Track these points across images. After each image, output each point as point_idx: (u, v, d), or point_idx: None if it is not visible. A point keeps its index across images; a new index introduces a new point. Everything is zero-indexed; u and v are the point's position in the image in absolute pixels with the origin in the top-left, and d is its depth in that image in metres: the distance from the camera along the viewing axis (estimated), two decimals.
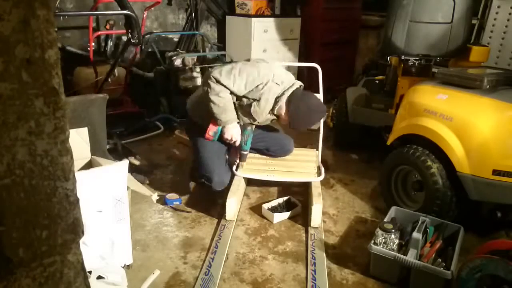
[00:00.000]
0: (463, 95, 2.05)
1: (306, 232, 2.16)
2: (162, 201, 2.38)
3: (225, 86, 2.11)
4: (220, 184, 2.28)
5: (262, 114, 2.27)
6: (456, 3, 2.49)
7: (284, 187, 2.63)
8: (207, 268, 1.81)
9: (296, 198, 2.42)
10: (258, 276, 1.81)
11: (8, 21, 0.56)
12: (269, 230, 2.17)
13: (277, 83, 2.20)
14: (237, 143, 2.33)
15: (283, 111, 2.24)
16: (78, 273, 0.75)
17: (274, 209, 2.31)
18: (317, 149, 2.77)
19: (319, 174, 2.44)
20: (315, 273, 1.80)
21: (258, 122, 2.37)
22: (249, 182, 2.63)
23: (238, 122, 2.30)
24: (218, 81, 2.10)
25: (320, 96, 2.73)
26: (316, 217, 2.17)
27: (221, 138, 2.31)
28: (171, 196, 2.39)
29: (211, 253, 1.92)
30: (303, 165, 2.55)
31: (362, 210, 2.43)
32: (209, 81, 2.11)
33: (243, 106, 2.25)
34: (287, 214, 2.27)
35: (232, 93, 2.16)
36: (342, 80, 4.73)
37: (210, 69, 2.21)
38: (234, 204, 2.20)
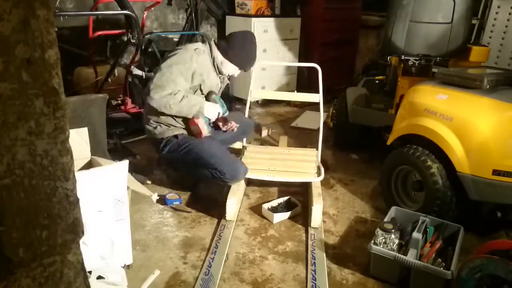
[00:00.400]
0: (463, 95, 2.05)
1: (306, 232, 2.16)
2: (162, 201, 2.38)
3: (174, 91, 2.17)
4: (243, 173, 2.33)
5: (214, 87, 2.41)
6: (456, 3, 2.49)
7: (284, 187, 2.63)
8: (207, 268, 1.81)
9: (296, 198, 2.42)
10: (258, 276, 1.81)
11: (8, 21, 0.56)
12: (269, 230, 2.17)
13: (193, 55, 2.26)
14: (221, 114, 2.39)
15: (227, 66, 2.37)
16: (78, 273, 0.75)
17: (274, 209, 2.31)
18: (317, 149, 2.77)
19: (319, 174, 2.44)
20: (315, 273, 1.80)
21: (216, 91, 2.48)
22: (249, 182, 2.63)
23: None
24: (162, 96, 2.14)
25: (320, 96, 2.74)
26: (316, 217, 2.17)
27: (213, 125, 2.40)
28: (171, 196, 2.39)
29: (211, 253, 1.92)
30: (303, 165, 2.55)
31: (362, 210, 2.43)
32: (153, 100, 2.14)
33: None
34: (287, 214, 2.27)
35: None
36: (342, 80, 4.73)
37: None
38: (234, 204, 2.20)
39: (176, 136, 2.33)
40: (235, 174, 2.28)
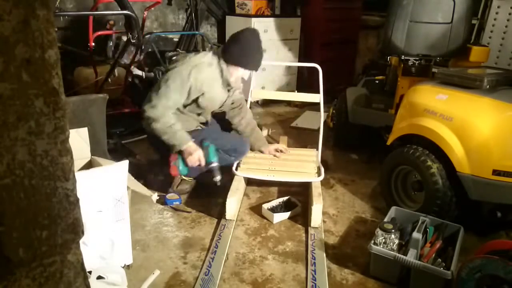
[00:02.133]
0: (463, 95, 2.05)
1: (306, 232, 2.16)
2: (162, 201, 2.38)
3: (165, 107, 2.17)
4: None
5: (216, 101, 2.38)
6: (456, 3, 2.49)
7: (284, 187, 2.63)
8: (207, 268, 1.81)
9: (296, 198, 2.42)
10: (258, 276, 1.81)
11: (8, 21, 0.56)
12: (269, 230, 2.17)
13: (206, 69, 2.25)
14: (203, 162, 2.27)
15: (236, 72, 2.31)
16: (78, 273, 0.75)
17: (274, 209, 2.31)
18: (317, 149, 2.77)
19: (319, 174, 2.44)
20: (315, 273, 1.80)
21: (220, 109, 2.46)
22: (249, 182, 2.62)
23: (193, 138, 2.27)
24: (154, 107, 2.15)
25: (320, 96, 2.73)
26: (316, 217, 2.17)
27: (187, 165, 2.28)
28: (171, 196, 2.39)
29: (211, 253, 1.92)
30: (303, 165, 2.55)
31: (362, 210, 2.43)
32: (148, 114, 2.16)
33: (196, 107, 2.34)
34: (287, 214, 2.27)
35: (178, 108, 2.25)
36: (342, 80, 4.73)
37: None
38: (234, 204, 2.20)
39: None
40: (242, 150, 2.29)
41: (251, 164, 2.51)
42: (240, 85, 2.50)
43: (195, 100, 2.31)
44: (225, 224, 2.15)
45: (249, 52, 2.30)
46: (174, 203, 2.35)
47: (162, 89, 2.19)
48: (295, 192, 2.57)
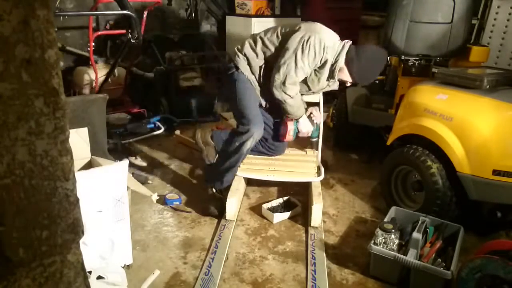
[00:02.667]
0: (463, 95, 2.05)
1: (306, 232, 2.16)
2: (162, 201, 2.38)
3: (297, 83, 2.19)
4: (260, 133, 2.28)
5: (319, 83, 2.34)
6: (456, 3, 2.49)
7: (284, 187, 2.63)
8: (207, 268, 1.81)
9: (296, 198, 2.42)
10: (258, 276, 1.81)
11: (8, 21, 0.56)
12: (269, 230, 2.17)
13: (331, 50, 2.24)
14: (309, 134, 2.45)
15: (344, 74, 2.28)
16: (78, 273, 0.75)
17: (274, 209, 2.31)
18: (317, 149, 2.77)
19: (319, 174, 2.44)
20: (315, 273, 1.80)
21: (312, 92, 2.46)
22: (249, 182, 2.62)
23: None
24: (294, 83, 2.17)
25: (320, 96, 2.73)
26: (316, 217, 2.17)
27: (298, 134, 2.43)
28: (171, 196, 2.39)
29: (211, 253, 1.92)
30: (302, 165, 2.55)
31: (362, 210, 2.43)
32: (285, 91, 2.18)
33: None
34: (287, 214, 2.27)
35: None
36: None
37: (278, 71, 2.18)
38: (234, 203, 2.20)
39: (243, 73, 2.32)
40: (253, 130, 2.25)
41: (251, 164, 2.51)
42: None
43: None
44: (225, 224, 2.15)
45: (371, 76, 2.34)
46: (174, 203, 2.35)
47: (300, 66, 2.15)
48: (295, 192, 2.57)
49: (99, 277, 1.57)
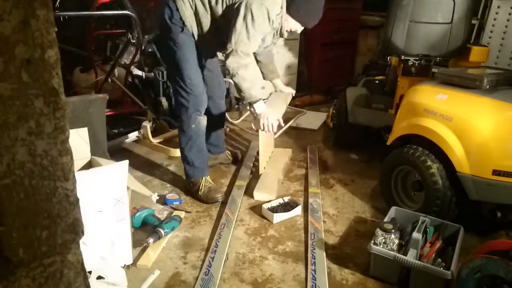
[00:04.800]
0: (463, 95, 2.05)
1: (306, 232, 2.16)
2: (162, 201, 2.38)
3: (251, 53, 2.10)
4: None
5: (268, 39, 2.28)
6: (456, 3, 2.49)
7: (284, 186, 2.63)
8: (207, 268, 1.81)
9: (296, 198, 2.42)
10: (258, 276, 1.81)
11: (8, 21, 0.56)
12: (269, 230, 2.17)
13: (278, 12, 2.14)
14: (275, 128, 2.23)
15: (290, 23, 2.20)
16: (78, 273, 0.75)
17: (274, 209, 2.31)
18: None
19: None
20: (315, 273, 1.80)
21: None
22: (250, 181, 2.63)
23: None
24: (247, 54, 2.07)
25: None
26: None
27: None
28: (171, 196, 2.39)
29: (211, 252, 1.92)
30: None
31: (362, 210, 2.43)
32: (239, 59, 2.05)
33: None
34: (287, 214, 2.27)
35: None
36: (342, 80, 4.73)
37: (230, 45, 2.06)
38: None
39: (182, 30, 2.17)
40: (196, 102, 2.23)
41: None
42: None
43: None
44: (225, 224, 2.15)
45: (315, 13, 2.20)
46: (174, 203, 2.35)
47: (252, 34, 2.04)
48: (295, 192, 2.57)
49: (99, 277, 1.57)
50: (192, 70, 2.24)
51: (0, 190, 0.60)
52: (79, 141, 1.76)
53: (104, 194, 1.60)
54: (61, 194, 0.68)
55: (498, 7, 3.55)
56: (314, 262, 1.88)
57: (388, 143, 2.42)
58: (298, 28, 2.25)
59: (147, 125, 3.17)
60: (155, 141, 3.19)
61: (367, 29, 5.01)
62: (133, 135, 3.24)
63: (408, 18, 2.53)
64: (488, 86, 2.04)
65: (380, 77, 3.35)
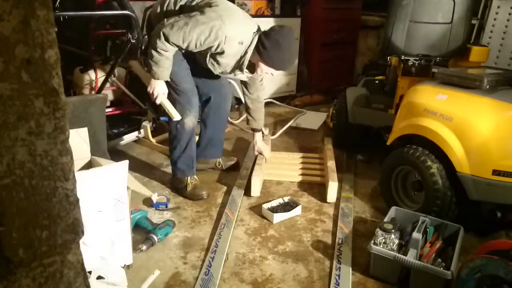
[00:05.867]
0: (463, 95, 2.05)
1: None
2: (149, 203, 2.33)
3: (174, 44, 2.08)
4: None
5: (226, 68, 2.29)
6: (456, 3, 2.49)
7: (284, 187, 2.63)
8: (207, 268, 1.81)
9: (297, 198, 2.42)
10: (258, 276, 1.81)
11: (8, 21, 0.56)
12: (269, 230, 2.17)
13: (234, 44, 2.17)
14: (158, 101, 2.27)
15: (263, 67, 2.26)
16: (78, 273, 0.75)
17: (274, 209, 2.31)
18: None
19: None
20: (339, 278, 1.78)
21: (234, 76, 2.39)
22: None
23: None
24: (167, 39, 2.06)
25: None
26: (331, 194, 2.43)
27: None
28: (159, 199, 2.34)
29: (211, 252, 1.92)
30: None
31: (362, 210, 2.43)
32: (157, 38, 2.07)
33: (202, 57, 2.26)
34: (287, 214, 2.27)
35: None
36: (342, 80, 4.73)
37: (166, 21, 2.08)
38: (257, 182, 2.47)
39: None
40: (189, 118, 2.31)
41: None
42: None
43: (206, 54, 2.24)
44: (225, 224, 2.15)
45: (286, 58, 2.26)
46: (160, 206, 2.31)
47: (186, 30, 2.04)
48: (295, 192, 2.57)
49: (99, 277, 1.57)
50: (181, 75, 2.30)
51: (0, 190, 0.60)
52: (79, 141, 1.76)
53: (104, 194, 1.60)
54: (61, 194, 0.68)
55: (498, 7, 3.55)
56: (339, 268, 1.85)
57: (388, 143, 2.42)
58: (271, 72, 2.31)
59: (147, 125, 3.17)
60: (155, 141, 3.19)
61: (367, 29, 5.01)
62: (132, 135, 3.23)
63: (408, 18, 2.53)
64: (488, 86, 2.04)
65: (380, 77, 3.34)
